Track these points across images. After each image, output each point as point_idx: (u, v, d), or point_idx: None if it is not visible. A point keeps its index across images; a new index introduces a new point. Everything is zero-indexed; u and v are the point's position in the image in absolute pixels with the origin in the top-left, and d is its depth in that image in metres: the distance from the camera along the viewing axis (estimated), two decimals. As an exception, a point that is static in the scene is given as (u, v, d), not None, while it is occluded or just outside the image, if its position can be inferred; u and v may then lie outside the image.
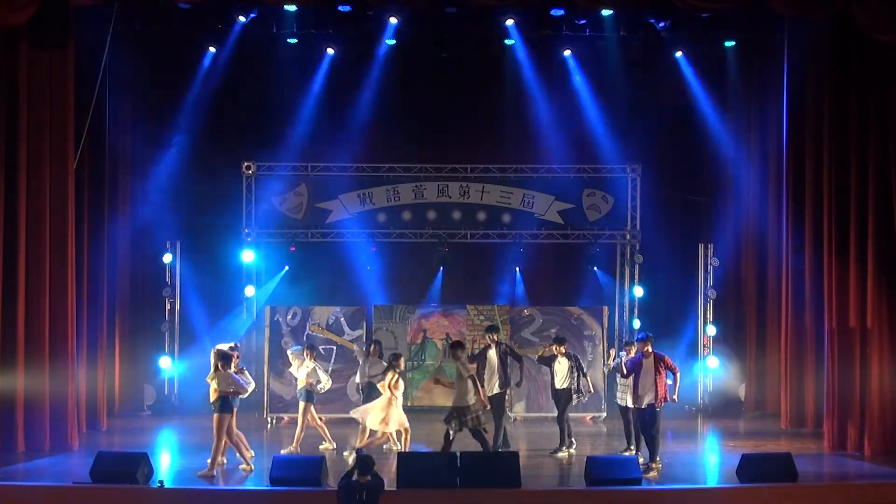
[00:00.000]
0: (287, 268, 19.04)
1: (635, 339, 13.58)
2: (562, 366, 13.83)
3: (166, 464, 13.25)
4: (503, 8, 16.59)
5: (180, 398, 18.10)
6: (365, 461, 10.01)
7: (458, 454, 11.83)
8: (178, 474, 12.54)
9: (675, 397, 12.99)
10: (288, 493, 11.30)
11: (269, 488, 11.44)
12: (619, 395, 13.72)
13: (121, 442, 15.13)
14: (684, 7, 14.03)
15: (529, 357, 15.93)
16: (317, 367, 13.96)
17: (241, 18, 17.01)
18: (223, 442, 12.38)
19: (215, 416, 12.31)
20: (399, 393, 13.13)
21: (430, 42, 18.16)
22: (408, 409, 14.41)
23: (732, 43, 18.00)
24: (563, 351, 13.91)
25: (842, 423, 14.07)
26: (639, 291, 19.34)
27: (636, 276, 19.47)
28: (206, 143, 18.86)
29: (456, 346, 12.91)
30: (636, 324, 19.27)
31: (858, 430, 13.90)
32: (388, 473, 11.63)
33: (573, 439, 13.89)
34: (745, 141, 18.43)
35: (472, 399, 12.32)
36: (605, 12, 16.83)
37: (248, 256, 19.01)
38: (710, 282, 18.71)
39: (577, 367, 13.81)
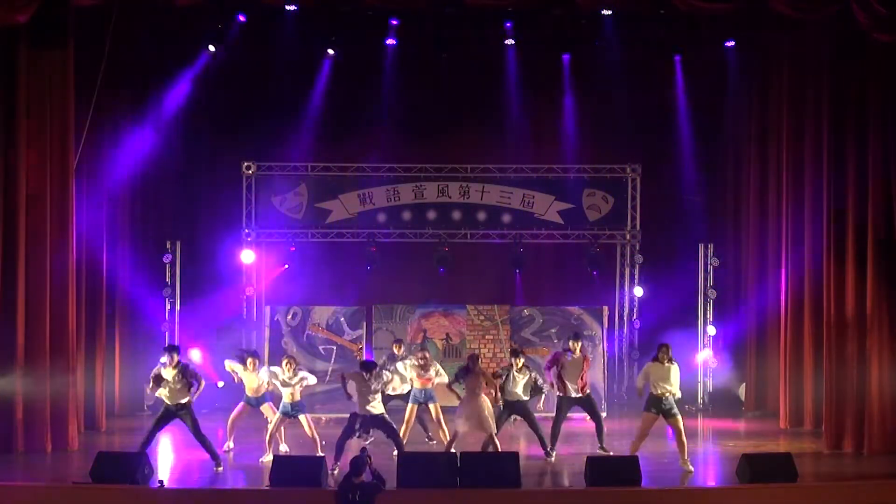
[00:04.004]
0: (287, 267, 19.03)
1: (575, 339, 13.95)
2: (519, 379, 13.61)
3: (166, 464, 13.25)
4: (503, 9, 16.59)
5: (180, 398, 18.09)
6: (357, 462, 10.00)
7: (458, 454, 11.85)
8: (178, 474, 12.56)
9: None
10: (288, 493, 11.30)
11: (269, 488, 11.45)
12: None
13: (120, 442, 15.11)
14: (684, 7, 14.03)
15: (530, 357, 15.96)
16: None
17: (241, 18, 17.00)
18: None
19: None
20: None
21: (429, 42, 18.16)
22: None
23: (732, 43, 18.00)
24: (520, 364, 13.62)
25: (841, 422, 14.06)
26: (639, 291, 19.38)
27: (636, 276, 19.49)
28: (206, 143, 18.84)
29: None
30: (636, 324, 19.35)
31: (858, 430, 13.88)
32: (389, 473, 11.62)
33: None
34: (745, 140, 18.42)
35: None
36: (605, 12, 16.82)
37: (247, 256, 19.02)
38: (710, 282, 18.71)
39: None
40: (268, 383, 13.56)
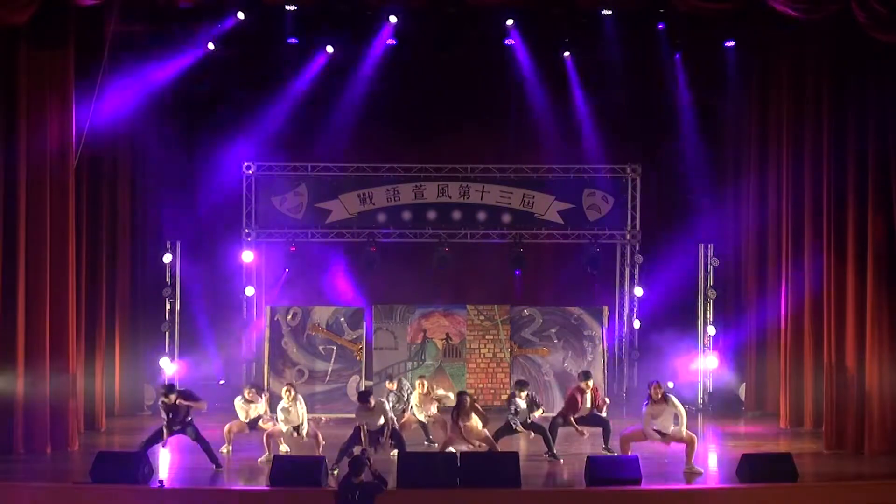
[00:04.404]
0: (287, 271, 19.01)
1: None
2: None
3: (166, 464, 13.25)
4: (503, 8, 16.59)
5: (180, 398, 18.09)
6: (357, 462, 10.00)
7: (458, 454, 11.85)
8: (178, 474, 12.56)
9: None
10: (288, 493, 11.31)
11: (269, 488, 11.45)
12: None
13: (120, 442, 15.12)
14: (684, 7, 14.03)
15: (530, 357, 16.06)
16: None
17: (241, 17, 17.01)
18: None
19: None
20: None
21: (429, 42, 18.16)
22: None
23: (732, 43, 18.00)
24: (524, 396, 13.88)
25: (841, 422, 14.05)
26: (639, 291, 19.38)
27: (636, 276, 19.49)
28: (206, 143, 18.85)
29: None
30: (636, 324, 19.35)
31: (858, 430, 13.88)
32: (389, 473, 11.63)
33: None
34: (745, 140, 18.41)
35: None
36: (605, 12, 16.82)
37: (247, 256, 19.03)
38: (710, 282, 18.70)
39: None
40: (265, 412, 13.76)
